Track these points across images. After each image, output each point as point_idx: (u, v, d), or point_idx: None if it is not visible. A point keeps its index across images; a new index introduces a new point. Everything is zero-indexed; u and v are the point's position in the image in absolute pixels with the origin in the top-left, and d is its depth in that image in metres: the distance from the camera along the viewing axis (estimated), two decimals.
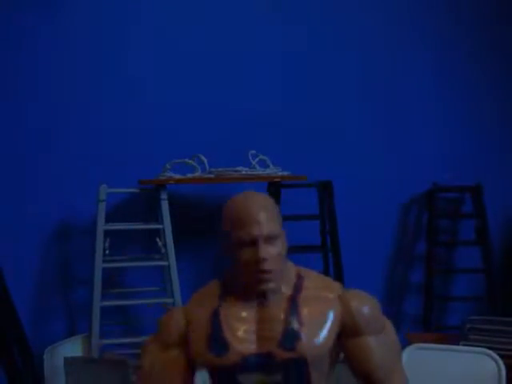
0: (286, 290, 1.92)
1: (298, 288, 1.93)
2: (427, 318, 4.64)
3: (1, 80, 4.18)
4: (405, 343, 3.37)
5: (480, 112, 4.92)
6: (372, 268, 4.68)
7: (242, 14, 4.52)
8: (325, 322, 1.89)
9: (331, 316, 1.90)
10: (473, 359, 2.99)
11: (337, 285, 1.99)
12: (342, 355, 1.98)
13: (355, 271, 4.30)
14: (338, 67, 4.68)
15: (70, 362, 3.48)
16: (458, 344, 3.79)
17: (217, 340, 1.88)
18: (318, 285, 1.95)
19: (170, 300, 3.93)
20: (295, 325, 1.86)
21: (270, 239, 1.85)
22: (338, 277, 4.23)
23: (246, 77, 4.50)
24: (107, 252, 3.81)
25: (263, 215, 1.85)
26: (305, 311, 1.89)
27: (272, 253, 1.85)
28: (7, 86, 4.18)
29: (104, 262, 3.82)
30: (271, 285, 1.87)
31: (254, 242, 1.85)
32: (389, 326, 2.01)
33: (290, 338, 1.85)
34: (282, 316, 1.88)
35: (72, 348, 3.93)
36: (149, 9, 4.39)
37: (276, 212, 1.91)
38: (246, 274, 1.89)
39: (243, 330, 1.89)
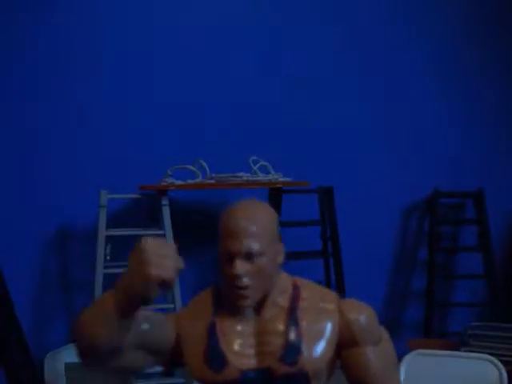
0: (283, 302, 1.89)
1: (295, 299, 1.89)
2: (429, 324, 4.63)
3: (0, 82, 4.18)
4: (406, 349, 3.36)
5: (481, 117, 4.92)
6: (373, 274, 4.67)
7: (243, 19, 4.53)
8: (324, 333, 1.86)
9: (330, 327, 1.87)
10: (474, 365, 2.97)
11: (333, 295, 1.96)
12: (338, 362, 1.96)
13: (356, 277, 4.30)
14: (338, 72, 4.68)
15: (70, 367, 3.47)
16: (460, 350, 3.79)
17: (214, 355, 1.84)
18: (314, 295, 1.92)
19: (170, 306, 3.93)
20: (295, 338, 1.83)
21: (250, 255, 1.80)
22: (339, 283, 4.22)
23: (247, 82, 4.50)
24: (108, 258, 3.81)
25: (245, 231, 1.79)
26: (304, 323, 1.86)
27: (250, 269, 1.80)
28: (6, 88, 4.17)
29: (105, 267, 3.82)
30: (248, 302, 1.82)
31: (232, 257, 1.81)
32: (385, 335, 1.98)
33: (291, 351, 1.82)
34: (281, 329, 1.85)
35: (73, 354, 3.90)
36: (149, 9, 4.38)
37: (269, 226, 1.85)
38: (227, 288, 1.86)
39: (241, 345, 1.85)
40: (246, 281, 1.80)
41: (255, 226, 1.81)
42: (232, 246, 1.79)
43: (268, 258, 1.82)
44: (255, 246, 1.79)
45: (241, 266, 1.79)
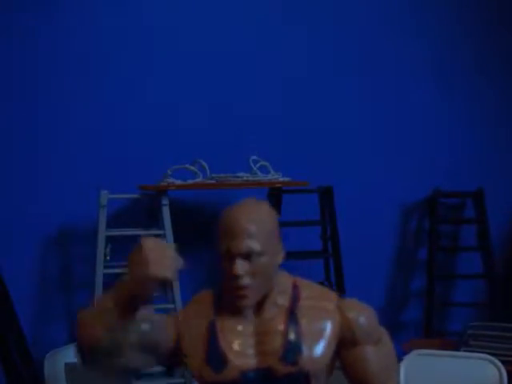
0: (283, 302, 1.89)
1: (295, 299, 1.90)
2: (429, 324, 4.63)
3: (0, 82, 4.17)
4: (406, 349, 3.36)
5: (481, 117, 4.92)
6: (373, 273, 4.67)
7: (242, 20, 4.53)
8: (324, 333, 1.86)
9: (330, 327, 1.87)
10: (474, 365, 2.98)
11: (333, 294, 1.96)
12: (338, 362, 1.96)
13: (356, 277, 4.30)
14: (338, 72, 4.68)
15: (70, 367, 3.47)
16: (460, 350, 3.79)
17: (215, 355, 1.84)
18: (314, 295, 1.92)
19: (170, 306, 3.93)
20: (295, 337, 1.83)
21: (250, 255, 1.79)
22: (339, 282, 4.22)
23: (247, 82, 4.50)
24: (108, 258, 3.81)
25: (245, 231, 1.79)
26: (304, 322, 1.86)
27: (250, 269, 1.80)
28: (7, 88, 4.17)
29: (105, 267, 3.82)
30: (247, 301, 1.82)
31: (232, 257, 1.81)
32: (385, 335, 1.98)
33: (291, 351, 1.82)
34: (281, 328, 1.85)
35: (73, 354, 3.90)
36: (150, 10, 4.38)
37: (269, 226, 1.85)
38: (227, 288, 1.85)
39: (241, 344, 1.85)
40: (245, 281, 1.80)
41: (255, 225, 1.81)
42: (232, 245, 1.79)
43: (268, 257, 1.83)
44: (255, 246, 1.79)
45: (241, 266, 1.79)
